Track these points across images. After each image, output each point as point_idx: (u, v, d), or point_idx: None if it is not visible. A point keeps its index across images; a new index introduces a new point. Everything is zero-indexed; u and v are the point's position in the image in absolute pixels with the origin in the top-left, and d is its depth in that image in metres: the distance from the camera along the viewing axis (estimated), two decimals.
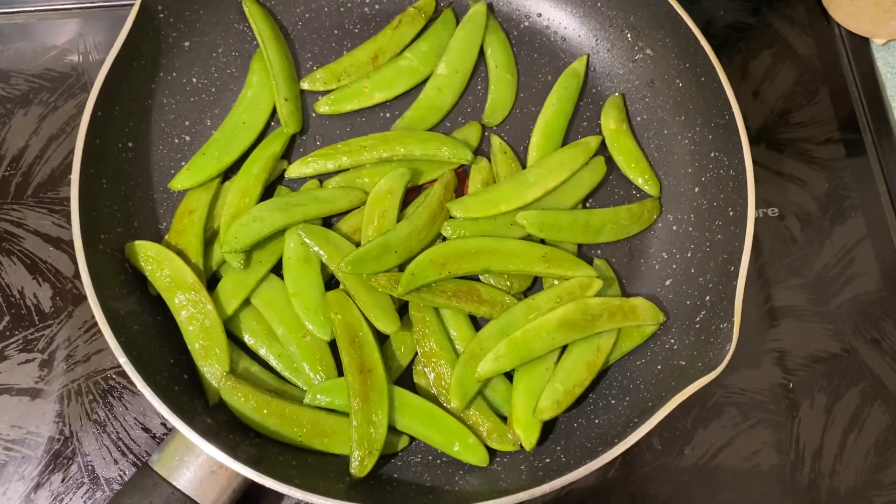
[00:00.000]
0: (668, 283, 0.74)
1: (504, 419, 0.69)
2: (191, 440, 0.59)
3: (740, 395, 0.74)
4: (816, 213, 0.81)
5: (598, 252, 0.76)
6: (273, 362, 0.70)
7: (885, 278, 0.79)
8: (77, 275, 0.75)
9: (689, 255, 0.73)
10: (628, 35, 0.80)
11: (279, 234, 0.72)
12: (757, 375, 0.75)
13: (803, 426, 0.74)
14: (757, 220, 0.75)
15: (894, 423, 0.74)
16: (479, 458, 0.67)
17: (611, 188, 0.78)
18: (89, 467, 0.69)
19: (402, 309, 0.71)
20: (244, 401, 0.66)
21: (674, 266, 0.74)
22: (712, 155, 0.74)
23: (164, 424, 0.71)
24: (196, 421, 0.61)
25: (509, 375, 0.70)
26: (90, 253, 0.64)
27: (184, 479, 0.60)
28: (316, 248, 0.71)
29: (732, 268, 0.67)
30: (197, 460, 0.61)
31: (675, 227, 0.76)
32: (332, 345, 0.69)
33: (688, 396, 0.61)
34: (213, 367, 0.67)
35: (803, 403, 0.74)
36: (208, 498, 0.61)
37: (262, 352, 0.70)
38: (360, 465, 0.64)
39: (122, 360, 0.61)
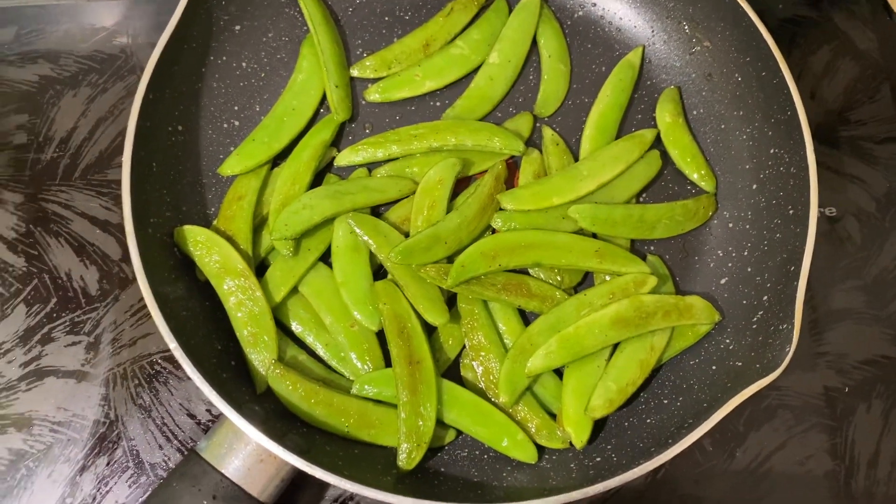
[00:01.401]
0: (723, 281, 0.72)
1: (553, 416, 0.68)
2: (240, 428, 0.59)
3: (794, 397, 0.72)
4: (875, 213, 0.79)
5: (652, 248, 0.74)
6: (320, 351, 0.69)
7: None
8: (124, 258, 0.75)
9: (745, 253, 0.72)
10: (686, 27, 0.78)
11: (328, 222, 0.71)
12: (812, 378, 0.73)
13: (859, 432, 0.72)
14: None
15: None
16: (527, 454, 0.66)
17: (665, 183, 0.76)
18: (134, 452, 0.69)
19: (450, 301, 0.70)
20: (292, 389, 0.65)
21: (729, 264, 0.72)
22: (772, 151, 0.72)
23: (209, 411, 0.70)
24: (244, 408, 0.60)
25: (558, 372, 0.69)
26: (140, 236, 0.64)
27: (232, 466, 0.60)
28: (365, 238, 0.70)
29: (792, 268, 0.65)
30: (245, 448, 0.60)
31: (731, 225, 0.74)
32: (380, 335, 0.68)
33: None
34: (261, 354, 0.66)
35: (859, 408, 0.72)
36: (256, 486, 0.60)
37: (309, 340, 0.69)
38: (408, 457, 0.63)
39: (173, 345, 0.60)
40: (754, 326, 0.67)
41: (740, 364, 0.65)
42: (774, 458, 0.71)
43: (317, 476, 0.57)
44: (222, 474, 0.59)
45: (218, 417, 0.66)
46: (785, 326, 0.63)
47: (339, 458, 0.63)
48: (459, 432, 0.68)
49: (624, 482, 0.59)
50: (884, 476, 0.70)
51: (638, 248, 0.74)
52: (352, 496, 0.68)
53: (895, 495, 0.70)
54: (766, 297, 0.68)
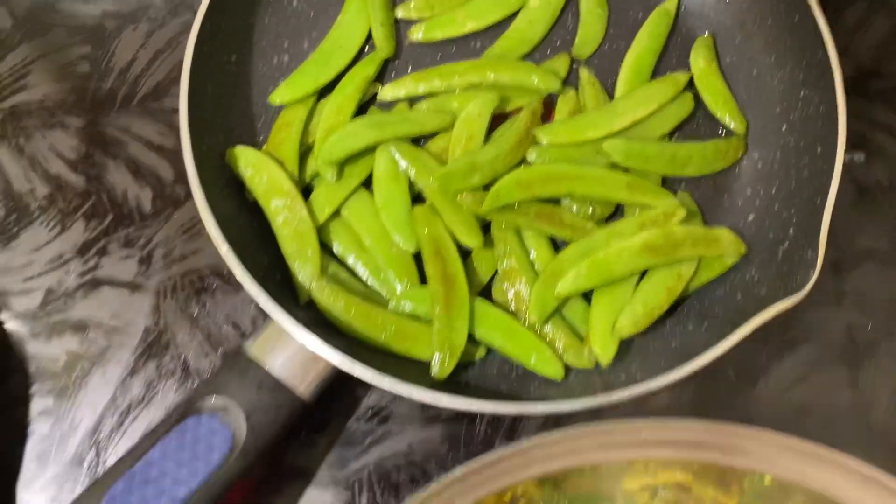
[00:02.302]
0: (750, 218, 0.74)
1: (581, 340, 0.70)
2: (285, 328, 0.62)
3: (817, 332, 0.74)
4: None
5: (682, 185, 0.76)
6: (360, 270, 0.72)
7: None
8: (176, 180, 0.79)
9: (773, 191, 0.74)
10: None
11: (370, 150, 0.74)
12: (835, 314, 0.75)
13: (881, 366, 0.73)
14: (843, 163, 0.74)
15: None
16: (554, 370, 0.68)
17: (696, 126, 0.78)
18: (182, 358, 0.73)
19: (485, 230, 0.73)
20: (333, 300, 0.68)
21: (757, 202, 0.74)
22: (802, 94, 0.74)
23: (253, 323, 0.74)
24: (289, 312, 0.63)
25: (587, 297, 0.71)
26: (195, 153, 0.68)
27: (276, 363, 0.63)
28: (405, 165, 0.73)
29: (819, 200, 0.67)
30: (289, 348, 0.63)
31: (760, 165, 0.76)
32: (416, 258, 0.71)
33: (768, 320, 0.62)
34: (305, 267, 0.69)
35: (882, 344, 0.74)
36: (298, 384, 0.63)
37: (349, 260, 0.72)
38: (441, 366, 0.66)
39: (224, 249, 0.64)
40: (779, 258, 0.69)
41: (765, 292, 0.67)
42: (796, 390, 0.72)
43: (355, 373, 0.60)
44: (266, 371, 0.63)
45: (265, 321, 0.69)
46: (809, 253, 0.65)
47: (376, 365, 0.66)
48: (489, 350, 0.70)
49: (648, 390, 0.61)
50: None
51: (668, 186, 0.76)
52: (386, 405, 0.71)
53: None
54: (791, 231, 0.70)
